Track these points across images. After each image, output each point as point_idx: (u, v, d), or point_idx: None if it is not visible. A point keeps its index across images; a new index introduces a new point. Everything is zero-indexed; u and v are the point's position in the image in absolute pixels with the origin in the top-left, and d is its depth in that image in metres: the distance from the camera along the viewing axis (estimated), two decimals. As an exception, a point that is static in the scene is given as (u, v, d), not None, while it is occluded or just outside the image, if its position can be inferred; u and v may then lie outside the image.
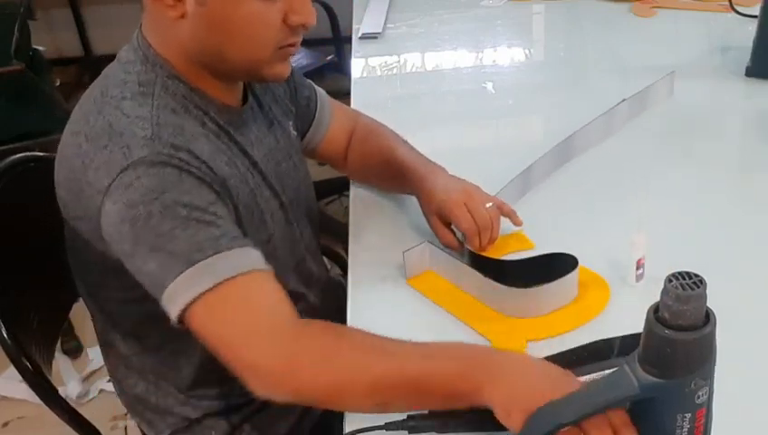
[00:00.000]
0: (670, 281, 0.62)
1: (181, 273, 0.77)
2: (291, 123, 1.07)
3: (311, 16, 0.87)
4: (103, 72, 0.91)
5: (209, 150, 0.86)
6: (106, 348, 1.04)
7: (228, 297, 0.77)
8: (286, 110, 1.07)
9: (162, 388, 1.00)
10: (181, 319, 0.78)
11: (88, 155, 0.82)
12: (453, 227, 1.01)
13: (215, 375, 0.98)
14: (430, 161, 1.09)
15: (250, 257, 0.80)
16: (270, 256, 0.84)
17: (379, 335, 0.77)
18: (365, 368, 0.74)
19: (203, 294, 0.76)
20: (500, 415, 0.69)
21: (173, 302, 0.78)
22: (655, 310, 0.63)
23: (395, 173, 1.10)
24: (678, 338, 0.61)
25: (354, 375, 0.74)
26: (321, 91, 1.16)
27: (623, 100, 1.30)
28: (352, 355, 0.76)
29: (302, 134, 1.13)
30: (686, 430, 0.64)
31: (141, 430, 1.07)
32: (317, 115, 1.14)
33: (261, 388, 0.76)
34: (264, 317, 0.78)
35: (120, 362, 1.02)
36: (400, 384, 0.73)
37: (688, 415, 0.63)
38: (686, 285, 0.61)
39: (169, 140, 0.82)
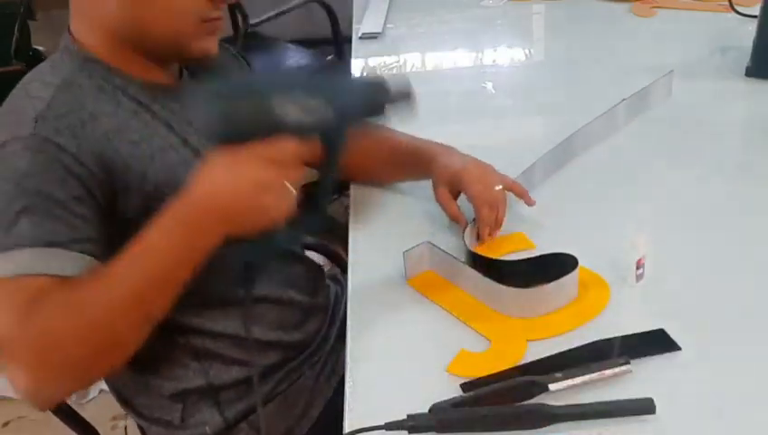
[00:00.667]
0: None
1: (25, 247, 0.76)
2: None
3: None
4: None
5: (112, 127, 0.87)
6: None
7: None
8: None
9: (155, 388, 1.00)
10: None
11: None
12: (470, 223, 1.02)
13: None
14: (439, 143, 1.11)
15: (54, 261, 0.77)
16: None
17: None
18: (104, 298, 0.75)
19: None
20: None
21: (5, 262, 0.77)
22: None
23: (404, 159, 1.11)
24: None
25: (99, 310, 0.75)
26: None
27: (623, 100, 1.29)
28: (87, 300, 0.75)
29: None
30: None
31: (139, 426, 1.07)
32: None
33: (26, 392, 0.75)
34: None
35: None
36: (142, 285, 0.76)
37: None
38: None
39: (54, 124, 0.82)
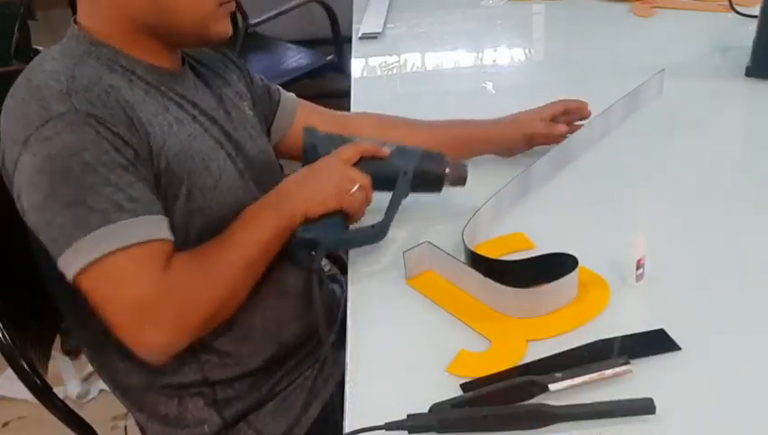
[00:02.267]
0: None
1: (96, 229, 0.80)
2: (246, 104, 1.10)
3: None
4: None
5: (132, 99, 0.89)
6: (94, 343, 1.03)
7: (122, 264, 0.82)
8: (241, 92, 1.10)
9: (150, 378, 1.00)
10: (77, 278, 0.82)
11: (8, 109, 0.86)
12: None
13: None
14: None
15: (160, 226, 0.86)
16: (221, 205, 0.95)
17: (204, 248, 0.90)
18: (227, 260, 0.89)
19: (107, 255, 0.81)
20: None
21: (78, 257, 0.81)
22: None
23: (460, 141, 1.20)
24: None
25: (225, 271, 0.89)
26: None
27: (618, 100, 1.30)
28: (213, 270, 0.88)
29: (269, 123, 1.17)
30: None
31: (138, 425, 1.07)
32: (281, 102, 1.18)
33: (156, 350, 0.85)
34: (144, 288, 0.83)
35: (112, 354, 1.02)
36: (253, 254, 0.91)
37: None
38: None
39: (85, 95, 0.84)
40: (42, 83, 0.85)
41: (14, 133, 0.84)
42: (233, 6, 0.97)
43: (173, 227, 0.89)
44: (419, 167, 1.01)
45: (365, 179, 0.96)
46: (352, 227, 0.99)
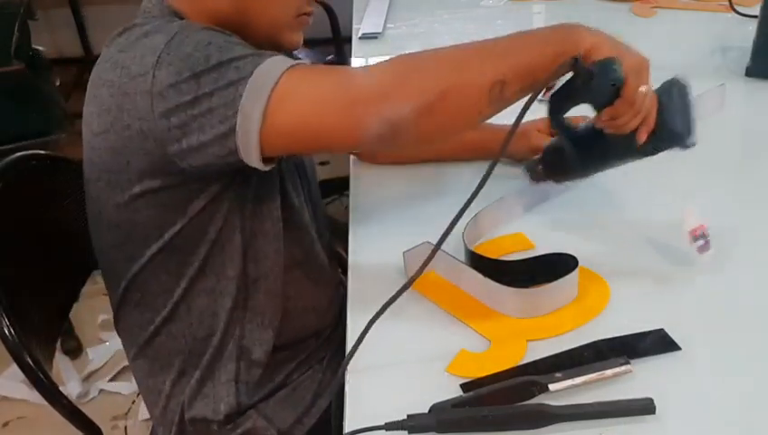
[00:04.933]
0: None
1: (264, 61, 0.80)
2: None
3: None
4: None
5: None
6: (127, 322, 1.04)
7: (311, 69, 0.83)
8: None
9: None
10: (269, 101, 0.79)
11: (125, 62, 0.84)
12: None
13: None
14: None
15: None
16: (289, 222, 0.96)
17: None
18: (463, 46, 0.84)
19: (290, 68, 0.80)
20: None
21: (264, 86, 0.79)
22: None
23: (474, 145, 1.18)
24: None
25: (457, 51, 0.83)
26: None
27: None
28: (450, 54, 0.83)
29: None
30: None
31: (145, 397, 1.08)
32: None
33: (377, 112, 0.79)
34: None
35: (135, 336, 1.03)
36: (508, 57, 0.82)
37: None
38: None
39: (198, 26, 0.85)
40: (156, 31, 0.84)
41: (140, 69, 0.81)
42: (309, 21, 0.97)
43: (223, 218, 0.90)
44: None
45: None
46: None
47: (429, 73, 0.81)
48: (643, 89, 0.85)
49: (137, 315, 1.02)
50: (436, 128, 0.83)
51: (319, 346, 1.10)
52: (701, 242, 0.92)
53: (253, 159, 0.81)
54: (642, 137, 0.89)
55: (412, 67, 0.82)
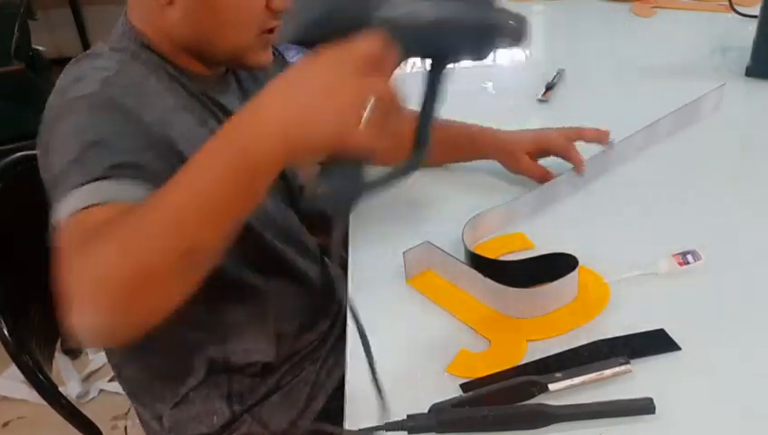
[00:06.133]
0: None
1: (91, 182, 0.71)
2: None
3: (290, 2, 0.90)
4: None
5: (171, 106, 0.89)
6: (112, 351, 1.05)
7: (79, 233, 0.68)
8: None
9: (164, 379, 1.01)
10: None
11: (49, 100, 0.85)
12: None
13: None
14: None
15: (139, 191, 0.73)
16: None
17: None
18: (145, 220, 0.63)
19: (77, 213, 0.70)
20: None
21: (67, 204, 0.71)
22: None
23: (458, 141, 1.15)
24: None
25: (138, 233, 0.63)
26: None
27: (662, 118, 1.25)
28: (129, 227, 0.64)
29: None
30: None
31: (139, 415, 1.07)
32: None
33: (85, 332, 0.66)
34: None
35: (116, 366, 1.03)
36: (188, 208, 0.62)
37: None
38: None
39: (121, 87, 0.84)
40: (85, 75, 0.85)
41: (48, 102, 0.85)
42: (275, 38, 0.94)
43: None
44: (466, 16, 0.67)
45: (389, 90, 0.63)
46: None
47: (113, 276, 0.63)
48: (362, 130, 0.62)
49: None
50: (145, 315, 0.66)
51: (313, 347, 1.09)
52: (689, 256, 0.93)
53: None
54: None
55: (98, 267, 0.64)
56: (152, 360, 1.00)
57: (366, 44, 0.61)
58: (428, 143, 0.69)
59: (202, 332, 0.99)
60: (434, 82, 0.69)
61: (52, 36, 3.53)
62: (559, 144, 1.09)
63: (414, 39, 0.65)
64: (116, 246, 0.63)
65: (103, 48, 0.92)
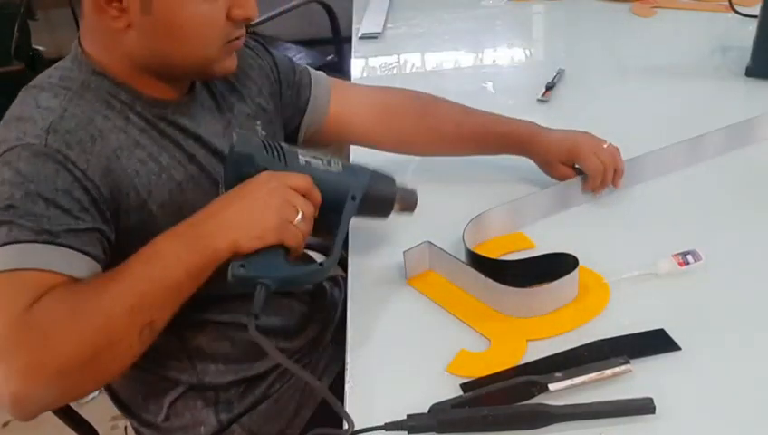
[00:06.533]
0: None
1: (17, 243, 0.74)
2: (258, 123, 1.04)
3: (253, 10, 0.88)
4: None
5: (121, 144, 0.85)
6: None
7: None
8: (256, 109, 1.04)
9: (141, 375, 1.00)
10: None
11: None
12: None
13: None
14: (518, 119, 1.16)
15: (68, 261, 0.76)
16: None
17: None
18: (106, 301, 0.73)
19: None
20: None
21: None
22: None
23: (489, 138, 1.15)
24: None
25: (99, 313, 0.72)
26: (317, 72, 1.16)
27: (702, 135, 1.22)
28: (86, 308, 0.73)
29: (299, 119, 1.12)
30: None
31: (132, 426, 1.07)
32: (312, 93, 1.12)
33: (17, 399, 0.69)
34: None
35: None
36: (150, 294, 0.75)
37: None
38: None
39: (65, 138, 0.81)
40: (30, 116, 0.83)
41: None
42: (241, 44, 0.91)
43: None
44: (370, 189, 0.89)
45: (309, 208, 0.81)
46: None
47: (58, 353, 0.70)
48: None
49: None
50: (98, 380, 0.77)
51: (301, 355, 1.07)
52: (689, 256, 0.93)
53: None
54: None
55: (43, 341, 0.70)
56: (135, 376, 0.99)
57: (296, 177, 0.82)
58: (338, 257, 0.88)
59: (169, 359, 0.98)
60: (347, 217, 0.88)
61: (52, 36, 3.52)
62: (590, 167, 1.09)
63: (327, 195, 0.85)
64: (79, 324, 0.71)
65: (53, 77, 0.88)
